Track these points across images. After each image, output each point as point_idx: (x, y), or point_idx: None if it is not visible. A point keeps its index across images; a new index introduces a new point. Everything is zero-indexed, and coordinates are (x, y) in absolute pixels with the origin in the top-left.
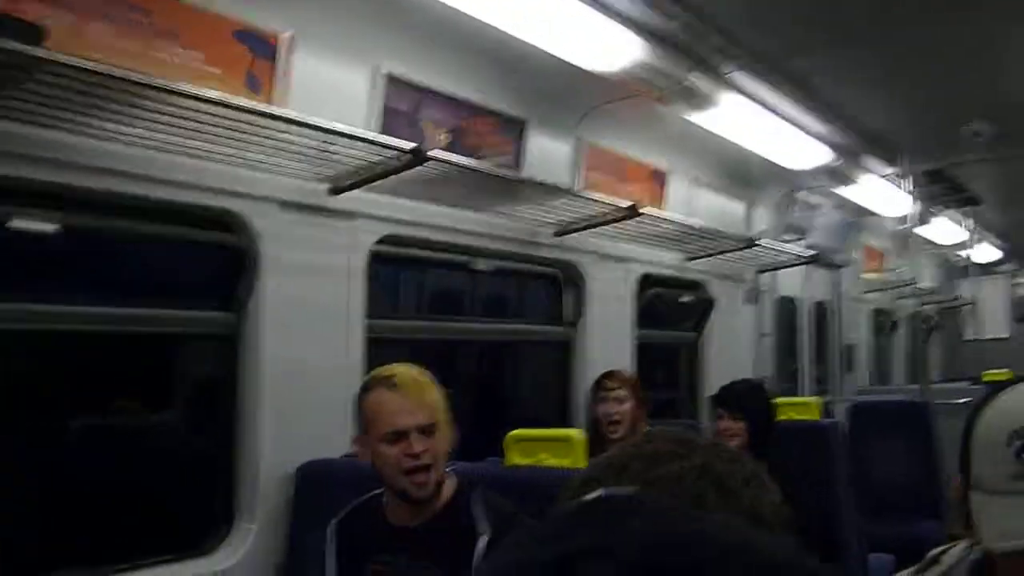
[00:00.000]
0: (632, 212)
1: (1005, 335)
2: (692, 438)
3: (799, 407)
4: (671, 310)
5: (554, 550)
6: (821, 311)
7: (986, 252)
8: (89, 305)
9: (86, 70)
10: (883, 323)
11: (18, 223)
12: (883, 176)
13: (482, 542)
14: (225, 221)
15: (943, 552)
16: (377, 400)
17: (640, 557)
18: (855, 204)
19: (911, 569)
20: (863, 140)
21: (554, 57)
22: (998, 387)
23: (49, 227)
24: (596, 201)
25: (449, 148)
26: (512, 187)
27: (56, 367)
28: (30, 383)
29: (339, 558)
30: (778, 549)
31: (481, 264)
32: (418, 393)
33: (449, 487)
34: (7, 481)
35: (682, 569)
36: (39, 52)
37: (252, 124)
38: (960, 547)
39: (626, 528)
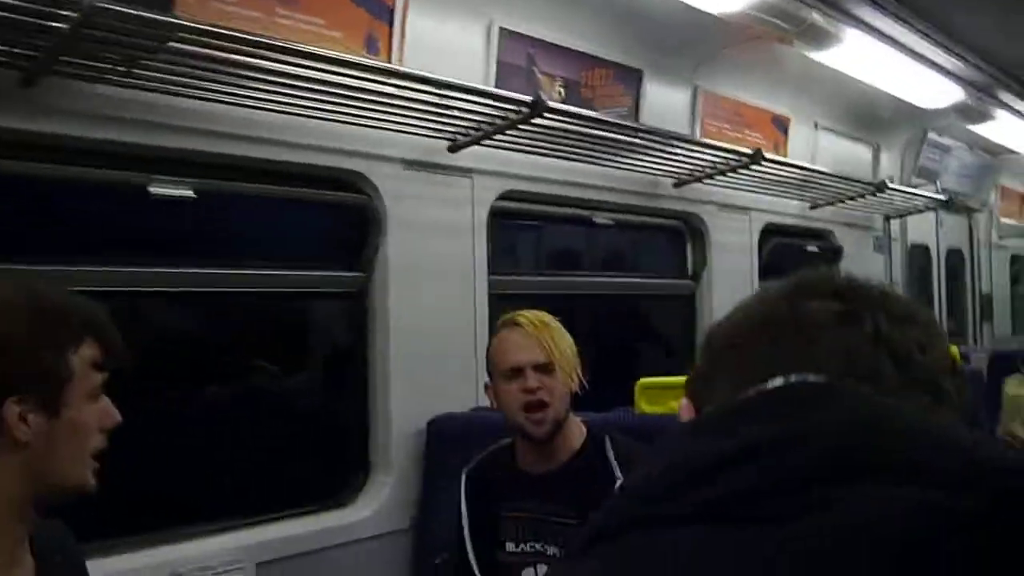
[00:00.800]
0: (754, 159)
1: None
2: (852, 287)
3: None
4: (796, 260)
5: (740, 440)
6: (955, 258)
7: None
8: (222, 268)
9: (215, 34)
10: (1023, 270)
11: (156, 189)
12: (1022, 112)
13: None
14: (351, 181)
15: None
16: (499, 339)
17: (830, 446)
18: (991, 143)
19: None
20: (999, 73)
21: (669, 2)
22: None
23: (186, 192)
24: (716, 149)
25: (565, 101)
26: (630, 137)
27: (196, 330)
28: (173, 346)
29: (472, 506)
30: (959, 435)
31: (601, 218)
32: (536, 332)
33: (580, 434)
34: (158, 439)
35: (872, 457)
36: (170, 18)
37: (373, 83)
38: None
39: (815, 417)
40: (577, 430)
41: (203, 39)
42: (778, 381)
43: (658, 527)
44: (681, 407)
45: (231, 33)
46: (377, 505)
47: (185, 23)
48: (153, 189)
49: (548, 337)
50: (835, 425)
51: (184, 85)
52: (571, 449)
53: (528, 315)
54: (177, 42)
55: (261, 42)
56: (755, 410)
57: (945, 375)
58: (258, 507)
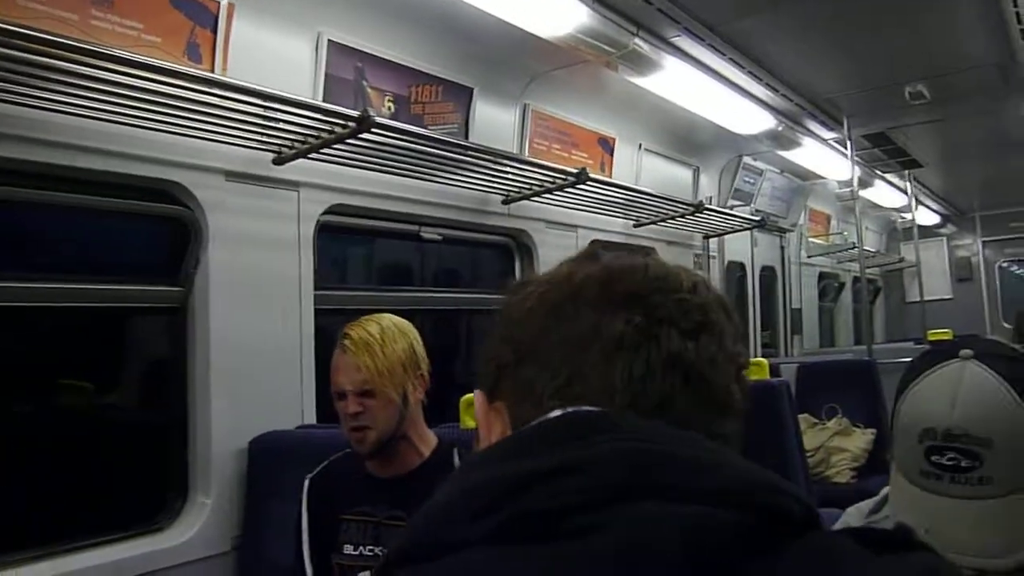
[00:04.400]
0: (580, 178)
1: (948, 296)
2: (653, 291)
3: (749, 368)
4: None
5: (519, 467)
6: (769, 275)
7: (928, 215)
8: (33, 281)
9: (22, 34)
10: (829, 286)
11: None
12: (826, 140)
13: None
14: (170, 192)
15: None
16: (333, 360)
17: (606, 476)
18: (800, 168)
19: (870, 502)
20: (807, 104)
21: (500, 23)
22: (926, 361)
23: None
24: (543, 168)
25: (395, 116)
26: (459, 155)
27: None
28: None
29: (313, 510)
30: (742, 470)
31: (430, 233)
32: (356, 355)
33: (430, 442)
34: None
35: (649, 487)
36: None
37: (194, 92)
38: None
39: (593, 447)
40: (427, 439)
41: (8, 39)
42: (557, 412)
43: (448, 551)
44: (476, 400)
45: (39, 35)
46: (197, 528)
47: None
48: None
49: (369, 360)
50: (609, 454)
51: None
52: (419, 456)
53: (356, 332)
54: None
55: (73, 46)
56: (539, 439)
57: (732, 383)
58: (70, 533)
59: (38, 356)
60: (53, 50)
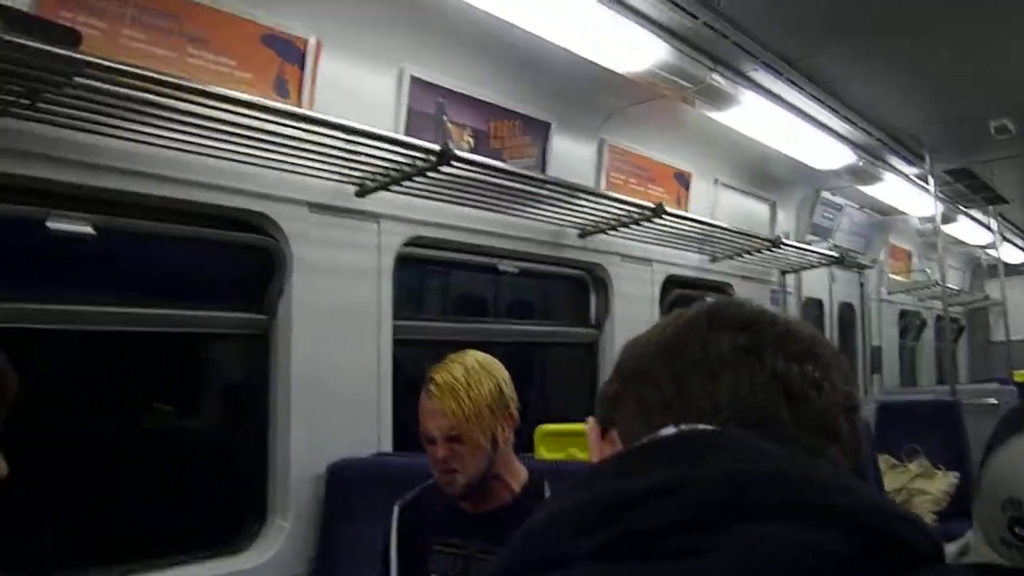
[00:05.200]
0: (656, 212)
1: None
2: (757, 319)
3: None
4: None
5: (626, 485)
6: (847, 312)
7: (1014, 252)
8: (125, 306)
9: (122, 71)
10: (910, 324)
11: (55, 224)
12: (908, 175)
13: None
14: (256, 223)
15: None
16: (421, 399)
17: (710, 494)
18: (880, 203)
19: (953, 547)
20: (887, 138)
21: (578, 59)
22: (1016, 419)
23: (85, 229)
24: (620, 202)
25: (474, 150)
26: (536, 188)
27: (92, 369)
28: (66, 384)
29: (403, 538)
30: (855, 492)
31: (507, 265)
32: (442, 401)
33: (521, 476)
34: (46, 482)
35: (757, 509)
36: (77, 54)
37: (281, 126)
38: None
39: (701, 467)
40: (518, 474)
41: (110, 76)
42: (671, 430)
43: (552, 568)
44: (588, 427)
45: (139, 71)
46: (275, 550)
47: (91, 59)
48: (51, 224)
49: (455, 405)
50: (717, 475)
51: (90, 121)
52: (510, 491)
53: (440, 375)
54: (84, 77)
55: (169, 81)
56: (646, 458)
57: (840, 414)
58: (152, 553)
59: (127, 380)
60: (150, 85)
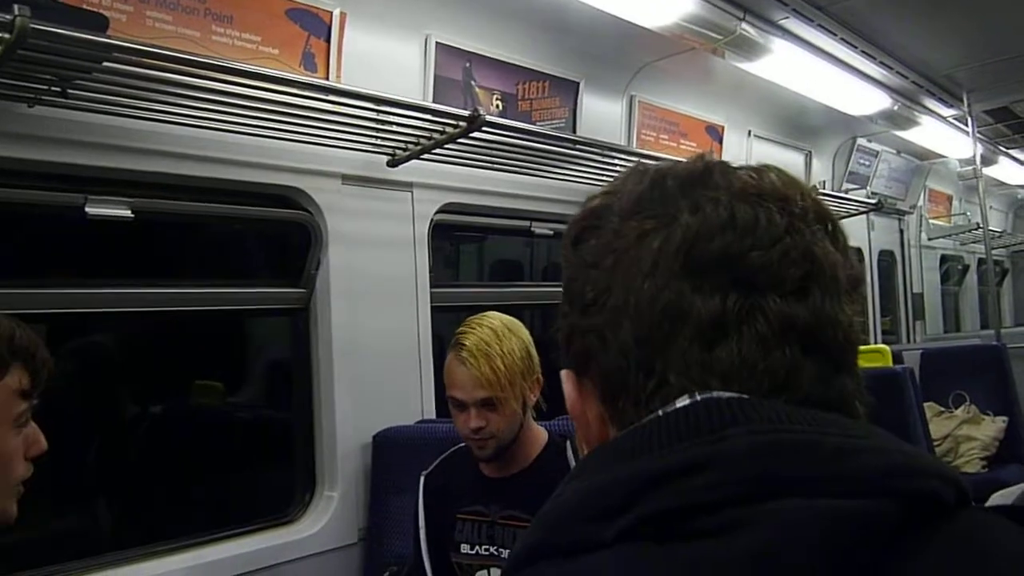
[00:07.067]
0: None
1: None
2: (743, 248)
3: (870, 355)
4: None
5: (651, 464)
6: (888, 260)
7: None
8: (165, 287)
9: (150, 53)
10: (952, 269)
11: (94, 209)
12: (946, 117)
13: None
14: (291, 198)
15: None
16: (448, 367)
17: (741, 472)
18: (918, 147)
19: (1018, 488)
20: (923, 80)
21: (604, 15)
22: None
23: (124, 212)
24: (652, 159)
25: (503, 113)
26: (568, 149)
27: (139, 350)
28: (118, 366)
29: (429, 509)
30: (886, 453)
31: (542, 228)
32: (477, 367)
33: (541, 440)
34: (101, 460)
35: (787, 482)
36: (105, 39)
37: (311, 100)
38: None
39: (727, 440)
40: (538, 436)
41: (138, 59)
42: (685, 400)
43: (583, 550)
44: (566, 384)
45: (166, 52)
46: (325, 520)
47: (120, 43)
48: (90, 209)
49: (489, 371)
50: (745, 446)
51: (120, 104)
52: (530, 455)
53: (472, 340)
54: (112, 62)
55: (197, 61)
56: (666, 433)
57: (854, 320)
58: (206, 526)
59: (173, 358)
60: (179, 66)
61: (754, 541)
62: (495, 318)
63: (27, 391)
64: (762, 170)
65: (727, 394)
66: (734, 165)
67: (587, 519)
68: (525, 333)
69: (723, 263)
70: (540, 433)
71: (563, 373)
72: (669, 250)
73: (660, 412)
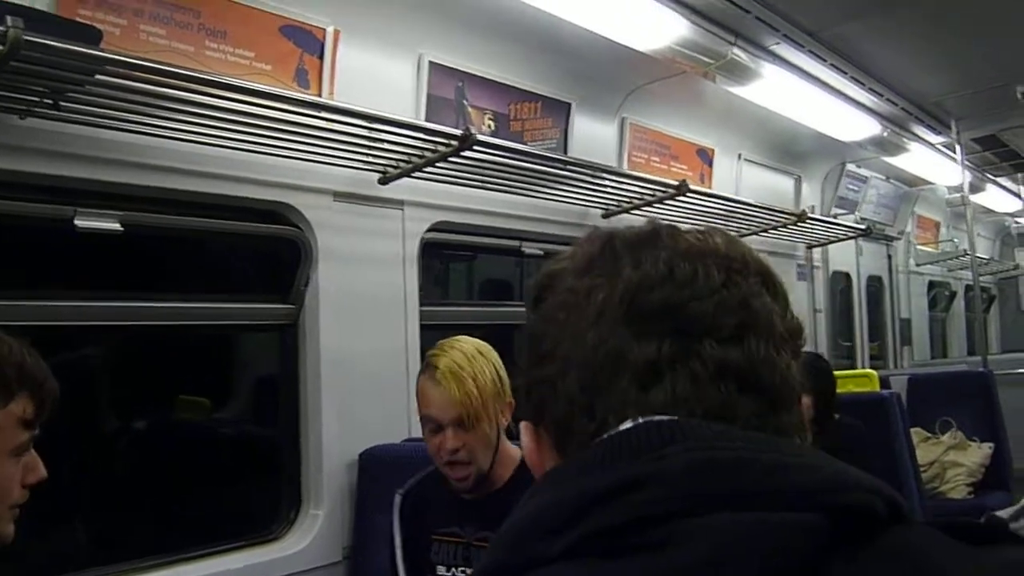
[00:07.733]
0: (680, 190)
1: None
2: (682, 299)
3: (857, 379)
4: None
5: (594, 483)
6: (875, 285)
7: None
8: (153, 301)
9: (143, 67)
10: (939, 295)
11: (83, 222)
12: (934, 144)
13: None
14: (281, 213)
15: None
16: (421, 387)
17: (680, 488)
18: (907, 174)
19: (1010, 510)
20: (912, 107)
21: (597, 37)
22: None
23: (113, 225)
24: (643, 180)
25: (495, 133)
26: (559, 170)
27: (124, 364)
28: (103, 381)
29: (406, 528)
30: (820, 470)
31: (532, 248)
32: (455, 387)
33: (514, 461)
34: (84, 475)
35: (723, 497)
36: (98, 52)
37: (303, 116)
38: None
39: (666, 458)
40: (512, 455)
41: (131, 72)
42: (628, 424)
43: (530, 569)
44: (524, 435)
45: (159, 66)
46: (310, 538)
47: (113, 56)
48: (79, 222)
49: (463, 392)
50: (683, 464)
51: (112, 118)
52: (504, 475)
53: (444, 362)
54: (105, 75)
55: (190, 75)
56: (610, 454)
57: (791, 363)
58: (190, 543)
59: (158, 373)
60: (172, 80)
61: (692, 554)
62: (466, 342)
63: (30, 420)
64: (708, 233)
65: (668, 417)
66: (683, 229)
67: (537, 538)
68: (495, 357)
69: (665, 312)
70: (514, 452)
71: (522, 425)
72: (612, 301)
73: (606, 435)
